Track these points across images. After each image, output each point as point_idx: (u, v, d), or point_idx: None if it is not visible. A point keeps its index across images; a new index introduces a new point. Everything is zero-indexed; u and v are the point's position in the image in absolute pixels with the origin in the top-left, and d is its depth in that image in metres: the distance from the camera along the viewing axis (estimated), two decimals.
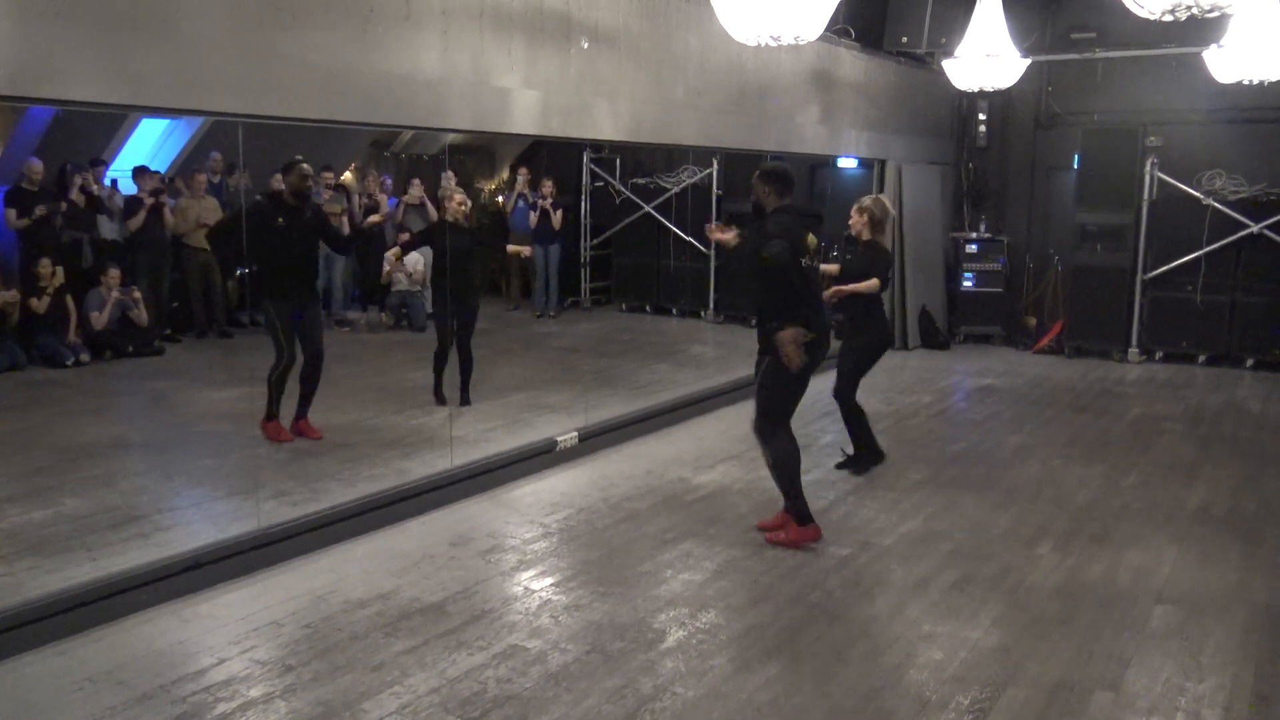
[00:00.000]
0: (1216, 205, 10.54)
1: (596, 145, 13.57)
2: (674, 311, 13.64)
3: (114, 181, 11.00)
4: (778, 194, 5.33)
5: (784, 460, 5.39)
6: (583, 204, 14.12)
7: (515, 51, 6.14)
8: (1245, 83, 8.20)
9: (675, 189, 13.37)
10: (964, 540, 5.59)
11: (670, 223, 13.43)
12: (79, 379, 9.02)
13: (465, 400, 7.98)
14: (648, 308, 13.86)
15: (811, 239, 5.34)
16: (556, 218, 12.76)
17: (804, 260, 5.27)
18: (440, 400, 7.94)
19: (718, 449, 7.37)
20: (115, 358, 9.60)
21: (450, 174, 12.93)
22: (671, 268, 13.56)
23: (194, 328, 10.69)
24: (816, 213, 5.52)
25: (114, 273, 9.74)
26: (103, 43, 4.15)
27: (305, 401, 6.98)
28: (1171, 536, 5.70)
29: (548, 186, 12.85)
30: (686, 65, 7.69)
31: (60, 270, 9.50)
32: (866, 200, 6.67)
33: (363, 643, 4.28)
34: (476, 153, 15.35)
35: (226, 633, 4.36)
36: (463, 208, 7.94)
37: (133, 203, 10.36)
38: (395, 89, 5.44)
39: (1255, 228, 10.37)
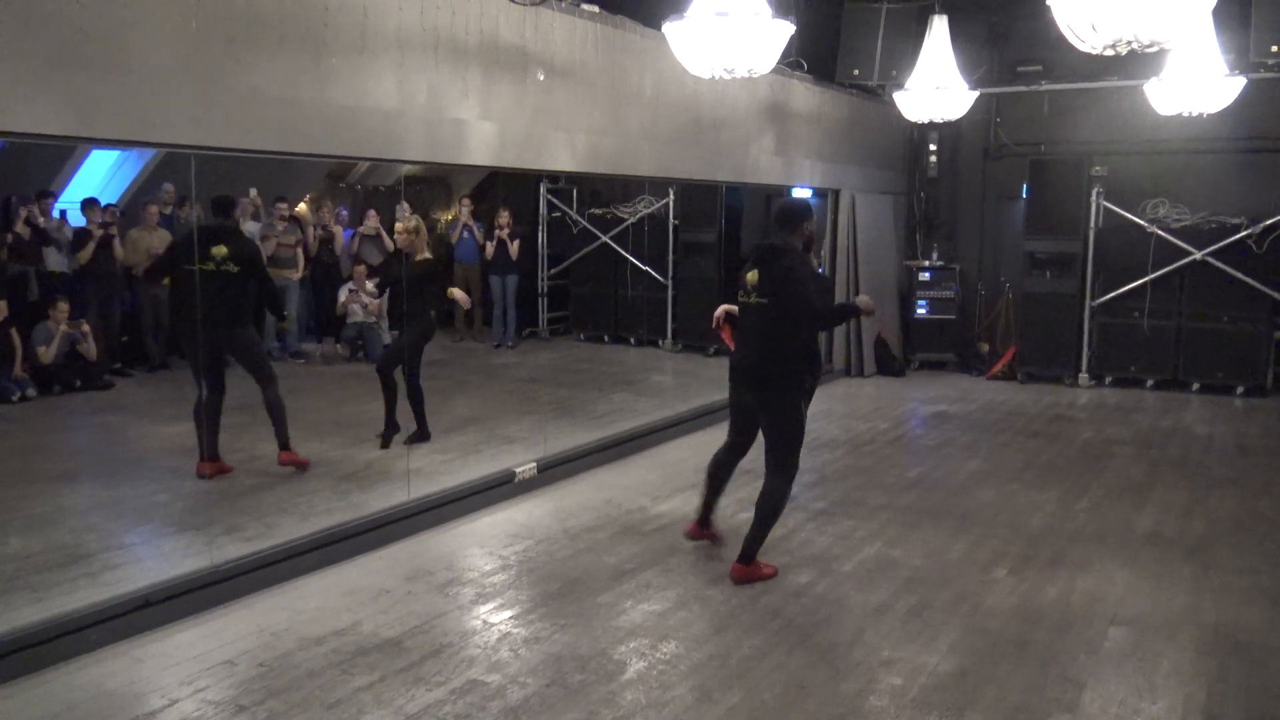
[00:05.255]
0: (1160, 233, 10.80)
1: (553, 176, 13.62)
2: (632, 341, 13.67)
3: (63, 213, 10.84)
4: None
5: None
6: (540, 234, 14.15)
7: (471, 83, 6.17)
8: (1185, 114, 8.44)
9: (632, 219, 13.43)
10: (921, 566, 5.63)
11: (628, 252, 13.48)
12: (25, 414, 8.83)
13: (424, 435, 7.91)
14: (606, 337, 13.88)
15: (751, 274, 5.32)
16: (514, 248, 12.76)
17: (740, 295, 5.40)
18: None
19: (677, 478, 7.37)
20: (63, 392, 9.42)
21: (405, 205, 12.89)
22: (629, 297, 13.61)
23: (146, 361, 10.53)
24: (767, 244, 5.43)
25: (62, 306, 9.58)
26: (51, 74, 4.11)
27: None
28: (1123, 559, 5.79)
29: (505, 217, 12.84)
30: (642, 97, 7.76)
31: (4, 304, 9.32)
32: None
33: (318, 680, 4.21)
34: (433, 184, 15.32)
35: (178, 672, 4.26)
36: (404, 236, 7.83)
37: (81, 235, 10.21)
38: (350, 120, 5.43)
39: (1198, 255, 10.63)
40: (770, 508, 5.33)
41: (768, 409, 5.33)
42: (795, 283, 5.16)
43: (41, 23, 4.06)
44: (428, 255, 7.80)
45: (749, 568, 5.33)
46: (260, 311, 7.77)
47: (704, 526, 5.85)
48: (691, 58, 5.76)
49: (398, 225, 7.93)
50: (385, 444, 7.67)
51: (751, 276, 5.31)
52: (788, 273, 5.19)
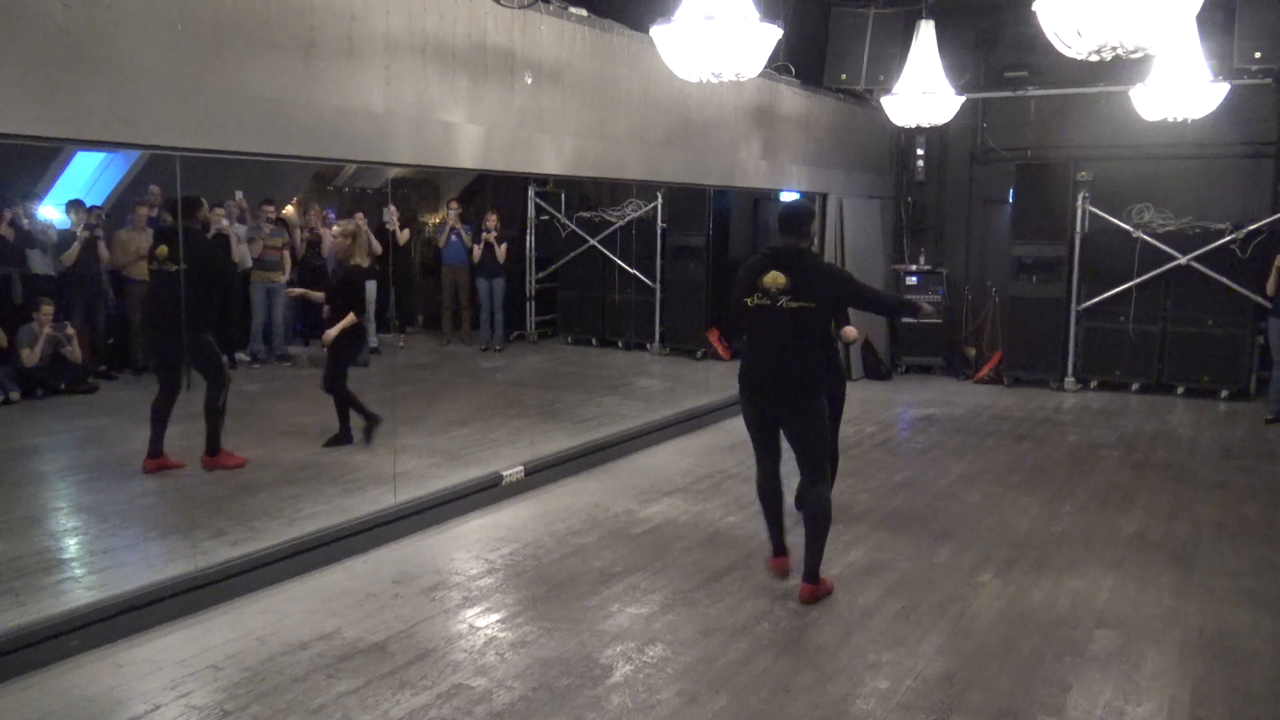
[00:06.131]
0: (1146, 238, 10.86)
1: (542, 179, 13.62)
2: (620, 344, 13.66)
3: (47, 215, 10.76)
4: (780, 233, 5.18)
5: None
6: (528, 237, 14.14)
7: (459, 86, 6.16)
8: (1170, 120, 8.49)
9: (620, 222, 13.43)
10: (908, 569, 5.64)
11: (615, 256, 13.48)
12: (9, 417, 8.78)
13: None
14: (593, 340, 13.87)
15: (770, 278, 4.98)
16: (501, 251, 12.76)
17: (749, 300, 5.05)
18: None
19: (664, 482, 7.37)
20: (47, 395, 9.36)
21: (392, 208, 12.88)
22: (617, 300, 13.60)
23: (130, 364, 10.47)
24: (784, 246, 5.12)
25: (46, 309, 9.51)
26: (36, 75, 4.08)
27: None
28: (1109, 562, 5.81)
29: (492, 220, 12.83)
30: (630, 101, 7.76)
31: None
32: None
33: (303, 685, 4.19)
34: (421, 187, 15.30)
35: (162, 677, 4.24)
36: (338, 239, 7.88)
37: (66, 237, 10.15)
38: (338, 123, 5.42)
39: (1183, 259, 10.69)
40: (824, 520, 5.12)
41: (799, 416, 5.06)
42: (854, 283, 5.29)
43: (24, 23, 4.03)
44: (360, 262, 7.79)
45: (817, 586, 5.13)
46: (241, 314, 7.80)
47: (785, 554, 5.38)
48: (679, 61, 5.76)
49: (335, 228, 7.93)
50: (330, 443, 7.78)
51: (774, 279, 4.98)
52: (842, 276, 5.33)
